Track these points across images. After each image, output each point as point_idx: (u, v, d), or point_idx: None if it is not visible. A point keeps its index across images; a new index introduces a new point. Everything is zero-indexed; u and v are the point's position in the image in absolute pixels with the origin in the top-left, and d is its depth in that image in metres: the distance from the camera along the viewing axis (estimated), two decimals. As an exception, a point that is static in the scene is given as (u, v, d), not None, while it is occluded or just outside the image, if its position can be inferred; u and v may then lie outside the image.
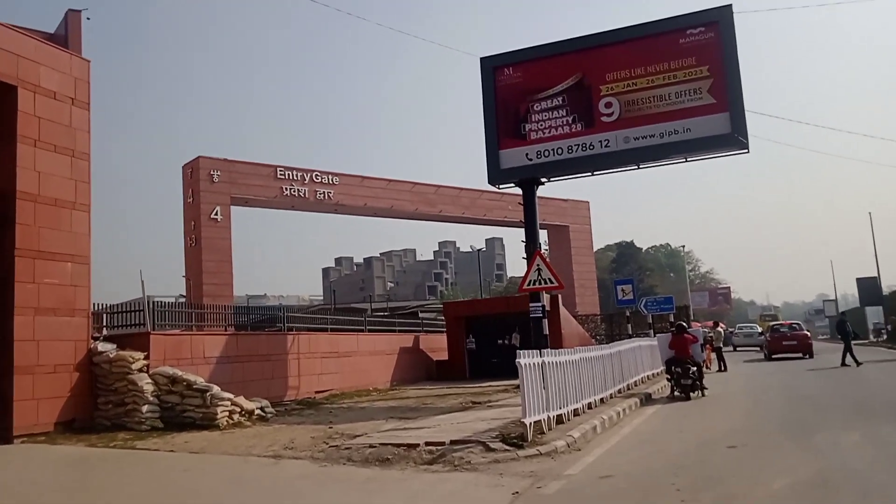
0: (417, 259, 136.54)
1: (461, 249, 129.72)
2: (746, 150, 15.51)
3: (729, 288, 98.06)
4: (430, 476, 7.72)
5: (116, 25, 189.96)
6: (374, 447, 8.96)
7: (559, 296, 23.08)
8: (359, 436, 10.17)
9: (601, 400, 12.60)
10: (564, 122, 16.49)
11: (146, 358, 12.07)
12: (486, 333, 22.74)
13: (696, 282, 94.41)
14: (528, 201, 16.72)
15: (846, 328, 23.14)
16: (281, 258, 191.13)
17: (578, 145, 16.31)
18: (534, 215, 16.72)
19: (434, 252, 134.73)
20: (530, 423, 8.95)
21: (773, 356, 28.28)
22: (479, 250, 59.08)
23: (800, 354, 27.97)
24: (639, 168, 16.70)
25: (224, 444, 10.06)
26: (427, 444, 8.87)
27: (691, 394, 14.35)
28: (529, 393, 9.07)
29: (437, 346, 23.77)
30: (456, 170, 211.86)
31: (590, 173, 16.94)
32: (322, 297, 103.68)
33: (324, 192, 34.39)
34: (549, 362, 10.04)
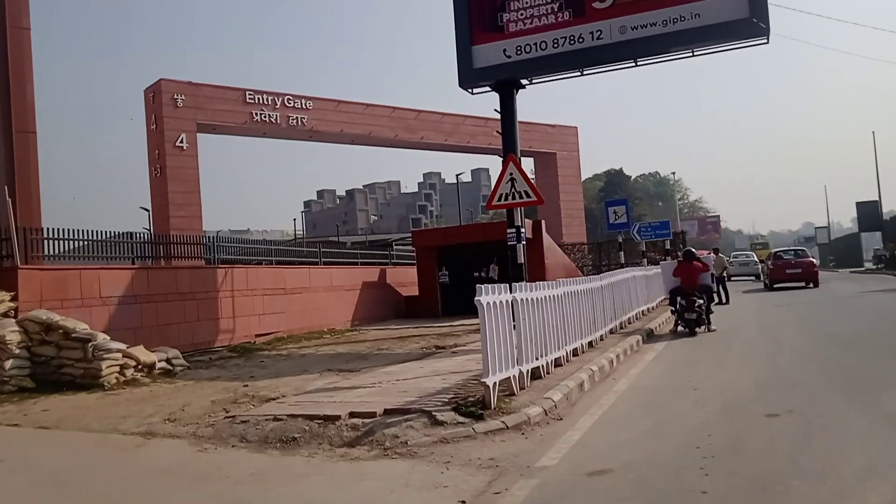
0: (402, 191, 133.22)
1: (447, 181, 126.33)
2: (765, 40, 12.76)
3: (718, 216, 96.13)
4: (345, 467, 5.31)
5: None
6: (281, 420, 6.51)
7: (542, 222, 20.59)
8: (273, 399, 7.74)
9: (590, 343, 10.22)
10: (549, 10, 13.59)
11: (13, 299, 9.49)
12: (460, 265, 20.29)
13: (684, 211, 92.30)
14: (507, 109, 13.88)
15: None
16: (266, 191, 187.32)
17: (565, 38, 13.49)
18: (513, 125, 13.92)
19: (419, 184, 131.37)
20: (494, 384, 6.51)
21: (776, 285, 26.06)
22: (458, 175, 56.21)
23: (804, 284, 25.75)
24: (636, 65, 13.86)
25: (92, 414, 7.60)
26: (352, 415, 6.43)
27: (697, 329, 12.64)
28: (493, 342, 6.59)
29: (408, 280, 21.33)
30: (438, 95, 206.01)
31: (579, 72, 14.10)
32: (305, 231, 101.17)
33: (297, 118, 32.11)
34: (522, 300, 7.55)
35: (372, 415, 6.38)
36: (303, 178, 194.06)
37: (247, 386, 8.80)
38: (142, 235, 11.95)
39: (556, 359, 8.48)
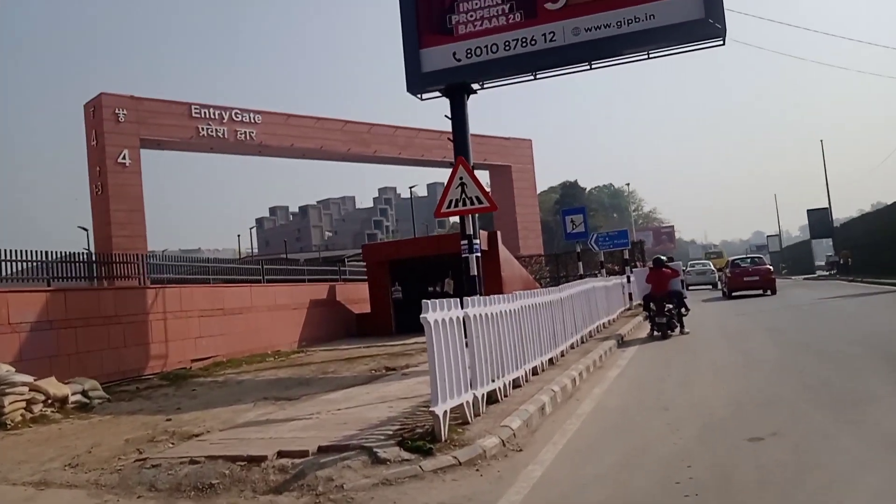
0: (357, 207, 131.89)
1: (402, 196, 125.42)
2: (721, 41, 12.38)
3: (673, 227, 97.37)
4: (267, 523, 4.44)
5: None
6: (198, 463, 5.60)
7: (498, 233, 19.95)
8: (197, 435, 6.82)
9: (550, 361, 9.51)
10: (500, 12, 12.98)
11: None
12: (414, 280, 19.45)
13: (639, 222, 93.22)
14: (458, 115, 13.18)
15: None
16: (218, 209, 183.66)
17: (517, 40, 12.90)
18: (464, 132, 13.22)
19: (374, 199, 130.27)
20: (444, 413, 5.72)
21: (734, 293, 25.88)
22: (412, 188, 55.65)
23: (762, 291, 25.62)
24: (591, 68, 13.35)
25: (-17, 460, 6.55)
26: (281, 454, 5.56)
27: (669, 332, 13.26)
28: (443, 365, 5.82)
29: (359, 296, 20.42)
30: (390, 109, 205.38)
31: (532, 76, 13.50)
32: (257, 249, 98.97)
33: (245, 132, 31.29)
34: (475, 316, 6.79)
35: (304, 454, 5.51)
36: (256, 194, 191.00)
37: (170, 420, 7.84)
38: (57, 254, 10.86)
39: (514, 379, 7.74)
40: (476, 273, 8.83)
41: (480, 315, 6.93)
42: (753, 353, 10.33)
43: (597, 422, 6.56)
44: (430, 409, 5.70)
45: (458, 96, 13.21)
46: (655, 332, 13.33)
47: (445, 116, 13.79)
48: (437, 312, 5.92)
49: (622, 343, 12.89)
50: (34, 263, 10.59)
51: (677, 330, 13.47)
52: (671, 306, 13.37)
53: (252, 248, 74.99)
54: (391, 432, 5.97)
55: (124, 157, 27.86)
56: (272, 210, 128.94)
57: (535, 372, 8.66)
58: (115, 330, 11.47)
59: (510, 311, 7.94)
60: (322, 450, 5.57)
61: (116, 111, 27.68)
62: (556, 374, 8.69)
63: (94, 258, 11.67)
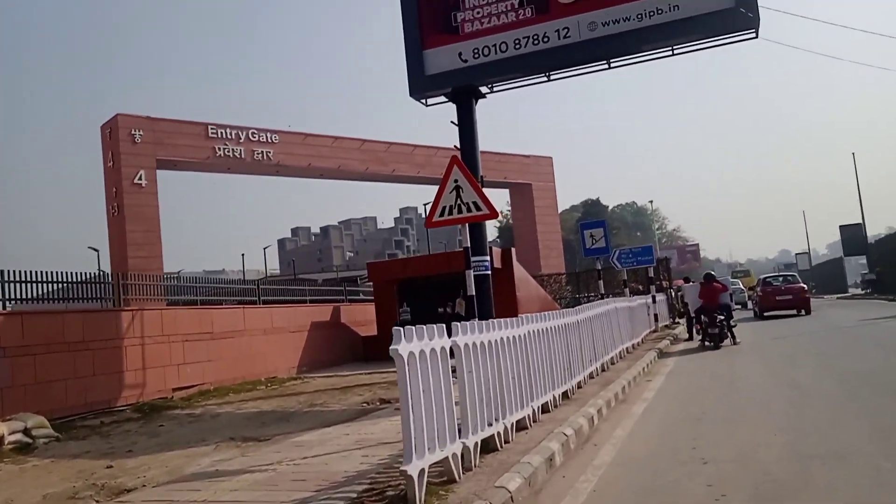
0: (379, 227, 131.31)
1: (423, 216, 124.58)
2: (754, 34, 11.16)
3: (697, 245, 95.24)
4: None
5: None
6: (104, 536, 4.37)
7: (513, 251, 18.67)
8: (128, 490, 5.60)
9: (564, 394, 8.18)
10: (509, 7, 11.88)
11: None
12: (424, 301, 18.20)
13: (663, 240, 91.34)
14: (465, 121, 11.99)
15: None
16: (242, 231, 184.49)
17: (528, 38, 11.80)
18: (473, 140, 12.03)
19: (395, 219, 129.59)
20: (421, 472, 4.44)
21: (766, 314, 24.29)
22: (426, 204, 54.49)
23: (795, 311, 24.00)
24: (610, 67, 12.12)
25: None
26: (207, 527, 4.31)
27: (721, 343, 14.40)
28: (421, 412, 4.57)
29: (367, 318, 19.20)
30: (407, 127, 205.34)
31: (545, 76, 12.31)
32: (279, 271, 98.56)
33: (262, 152, 31.15)
34: (467, 345, 5.52)
35: (237, 527, 4.27)
36: (281, 214, 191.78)
37: (110, 468, 6.62)
38: (13, 274, 9.75)
39: (518, 420, 6.44)
40: (475, 293, 7.54)
41: (474, 344, 5.65)
42: (805, 383, 8.88)
43: (618, 479, 5.23)
44: (402, 467, 4.43)
45: (465, 100, 12.07)
46: (707, 343, 14.59)
47: (451, 123, 12.59)
48: (412, 343, 4.68)
49: (647, 370, 11.51)
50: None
51: (728, 340, 14.62)
52: (722, 317, 14.55)
53: (266, 269, 74.17)
54: (354, 496, 4.70)
55: (140, 178, 28.06)
56: (294, 231, 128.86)
57: (545, 409, 7.35)
58: (83, 357, 10.33)
59: (514, 337, 6.66)
60: (260, 522, 4.32)
61: (132, 132, 27.88)
62: (570, 411, 7.37)
63: (58, 277, 10.52)
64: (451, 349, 5.26)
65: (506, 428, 6.04)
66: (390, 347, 4.49)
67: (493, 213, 7.38)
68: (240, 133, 30.45)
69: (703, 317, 14.86)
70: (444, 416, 4.94)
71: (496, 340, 6.16)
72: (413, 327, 4.73)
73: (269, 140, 31.24)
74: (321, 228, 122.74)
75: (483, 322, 6.06)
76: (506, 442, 5.98)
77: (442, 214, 7.33)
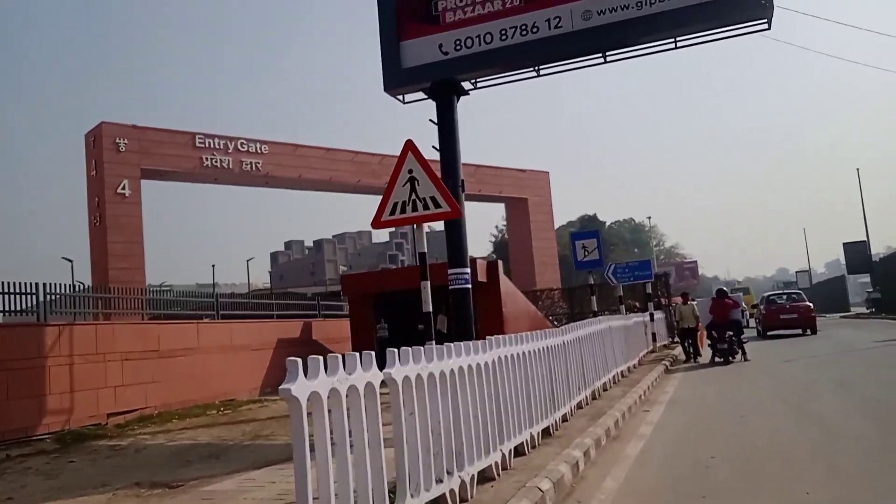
0: (373, 241, 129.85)
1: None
2: (767, 24, 9.93)
3: (696, 262, 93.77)
4: None
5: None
6: None
7: (500, 263, 17.35)
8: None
9: (546, 431, 6.84)
10: (494, -6, 10.69)
11: None
12: (402, 317, 16.78)
13: (660, 257, 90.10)
14: (446, 120, 10.70)
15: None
16: (235, 244, 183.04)
17: (516, 28, 10.58)
18: (453, 141, 10.74)
19: (390, 233, 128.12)
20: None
21: (769, 333, 23.02)
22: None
23: (801, 331, 22.74)
24: (605, 60, 10.83)
25: None
26: None
27: (731, 358, 14.66)
28: (323, 481, 3.22)
29: (341, 335, 17.80)
30: (397, 138, 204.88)
31: (534, 70, 11.06)
32: (271, 284, 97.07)
33: (251, 163, 30.12)
34: (407, 380, 4.19)
35: None
36: (279, 227, 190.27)
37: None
38: None
39: (482, 470, 5.10)
40: (429, 309, 6.21)
41: (418, 377, 4.32)
42: (831, 420, 7.53)
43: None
44: (293, 559, 3.08)
45: (445, 97, 10.80)
46: (717, 358, 14.80)
47: (430, 121, 11.29)
48: (318, 379, 3.33)
49: (644, 398, 10.18)
50: None
51: (739, 356, 14.84)
52: (731, 333, 14.74)
53: (248, 282, 72.87)
54: None
55: (124, 188, 27.15)
56: (287, 244, 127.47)
57: (519, 451, 6.01)
58: (-5, 378, 8.97)
59: (479, 365, 5.33)
60: None
61: (117, 140, 27.02)
62: (551, 454, 6.03)
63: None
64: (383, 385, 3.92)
65: (462, 483, 4.69)
66: (280, 387, 3.15)
67: (455, 211, 6.06)
68: (228, 143, 29.55)
69: (713, 332, 14.99)
70: (368, 476, 3.61)
71: (453, 370, 4.83)
72: (315, 357, 3.38)
73: (259, 150, 30.33)
74: (314, 242, 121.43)
75: (438, 348, 4.74)
76: (462, 501, 4.64)
77: (393, 212, 6.02)
